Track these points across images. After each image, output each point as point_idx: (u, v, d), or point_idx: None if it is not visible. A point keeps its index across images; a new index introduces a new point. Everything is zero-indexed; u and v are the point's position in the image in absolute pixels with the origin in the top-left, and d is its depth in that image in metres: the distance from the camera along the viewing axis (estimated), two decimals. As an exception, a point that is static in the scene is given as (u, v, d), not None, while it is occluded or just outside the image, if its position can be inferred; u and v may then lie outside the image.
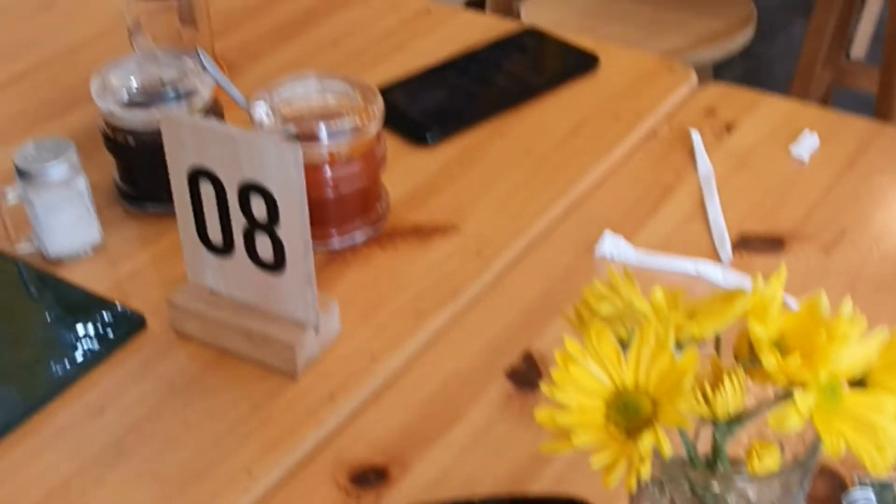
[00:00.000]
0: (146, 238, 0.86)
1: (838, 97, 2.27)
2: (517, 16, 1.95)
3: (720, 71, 2.12)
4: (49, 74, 1.08)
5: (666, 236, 0.85)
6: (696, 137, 0.94)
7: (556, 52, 1.07)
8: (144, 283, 0.82)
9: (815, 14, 2.08)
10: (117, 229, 0.87)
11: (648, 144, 0.95)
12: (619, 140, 0.95)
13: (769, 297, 0.51)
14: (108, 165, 0.89)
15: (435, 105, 0.99)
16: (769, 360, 0.49)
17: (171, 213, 0.76)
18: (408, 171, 0.92)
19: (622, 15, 1.82)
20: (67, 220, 0.83)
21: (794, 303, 0.75)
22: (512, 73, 1.04)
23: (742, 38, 1.75)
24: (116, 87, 0.86)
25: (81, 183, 0.82)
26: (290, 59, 1.09)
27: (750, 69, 2.62)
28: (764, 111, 0.98)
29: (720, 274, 0.79)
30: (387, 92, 0.94)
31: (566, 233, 0.86)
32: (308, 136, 0.79)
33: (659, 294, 0.51)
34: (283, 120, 0.81)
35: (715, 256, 0.82)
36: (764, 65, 2.68)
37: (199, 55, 0.81)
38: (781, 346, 0.51)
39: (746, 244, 0.83)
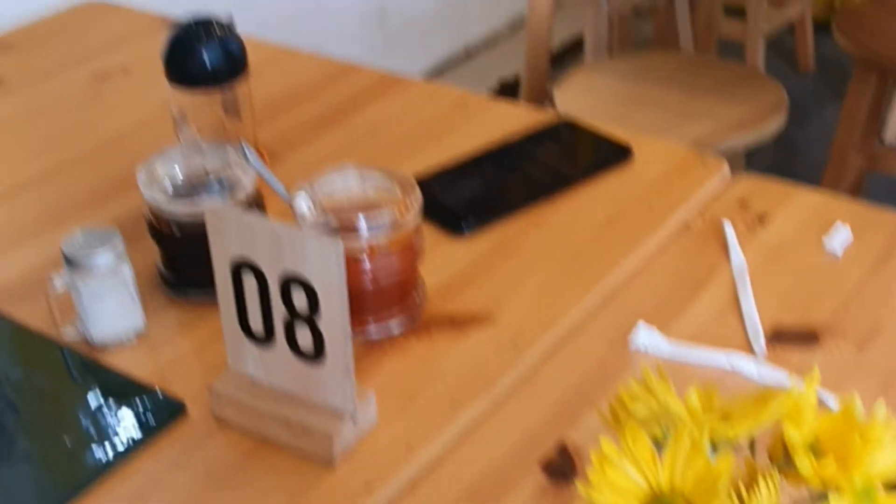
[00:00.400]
0: (187, 325, 0.88)
1: (871, 182, 2.28)
2: (551, 100, 1.98)
3: (753, 155, 2.14)
4: (96, 162, 1.11)
5: (700, 328, 0.86)
6: (729, 230, 0.95)
7: (590, 143, 1.10)
8: (185, 369, 0.84)
9: (847, 99, 2.10)
10: (160, 316, 0.89)
11: (682, 236, 0.96)
12: (652, 232, 0.96)
13: (803, 401, 0.51)
14: (151, 252, 0.92)
15: (471, 195, 1.01)
16: (804, 463, 0.49)
17: (212, 301, 0.78)
18: (444, 260, 0.94)
19: (654, 102, 1.84)
20: (112, 307, 0.85)
21: (828, 398, 0.76)
22: (546, 163, 1.06)
23: (774, 124, 1.77)
24: (162, 177, 0.89)
25: (126, 271, 0.84)
26: (329, 148, 1.12)
27: (783, 153, 2.64)
28: (797, 203, 0.99)
29: (754, 368, 0.80)
30: (423, 182, 0.96)
31: (600, 324, 0.87)
32: (348, 229, 0.81)
33: (693, 396, 0.52)
34: (323, 212, 0.83)
35: (749, 349, 0.83)
36: (797, 149, 2.70)
37: (243, 149, 0.84)
38: (816, 449, 0.51)
39: (780, 338, 0.84)
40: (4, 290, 0.93)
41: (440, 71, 3.01)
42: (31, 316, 0.89)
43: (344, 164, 0.87)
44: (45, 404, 0.82)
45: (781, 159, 2.64)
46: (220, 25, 0.99)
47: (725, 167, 1.04)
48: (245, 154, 0.84)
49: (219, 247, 0.74)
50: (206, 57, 0.97)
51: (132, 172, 0.91)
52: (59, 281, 0.85)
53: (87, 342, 0.86)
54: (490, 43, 3.17)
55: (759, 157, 2.47)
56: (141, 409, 0.79)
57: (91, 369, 0.84)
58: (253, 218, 0.72)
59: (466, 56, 3.11)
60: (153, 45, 1.33)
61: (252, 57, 1.01)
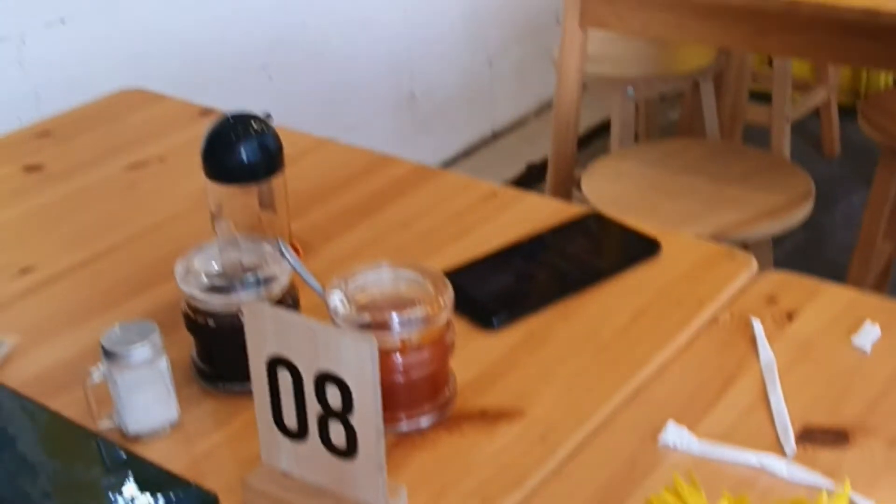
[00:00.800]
0: (222, 417, 0.89)
1: (899, 269, 2.28)
2: (578, 184, 2.00)
3: (780, 240, 2.15)
4: (133, 251, 1.14)
5: (729, 425, 0.86)
6: (758, 326, 0.96)
7: (619, 237, 1.11)
8: (219, 461, 0.85)
9: (874, 186, 2.11)
10: (194, 407, 0.90)
11: (710, 331, 0.97)
12: (681, 327, 0.97)
13: (834, 511, 0.52)
14: (187, 342, 0.93)
15: (501, 289, 1.03)
16: (836, 576, 0.50)
17: (247, 393, 0.79)
18: (474, 354, 0.95)
19: (681, 190, 1.86)
20: (148, 399, 0.86)
21: (860, 500, 0.76)
22: (576, 257, 1.07)
23: (801, 213, 1.77)
24: (199, 271, 0.90)
25: (163, 364, 0.86)
26: (361, 239, 1.14)
27: (810, 236, 2.64)
28: (825, 299, 1.00)
29: (784, 468, 0.80)
30: (454, 275, 0.98)
31: (629, 419, 0.87)
32: (381, 325, 0.82)
33: (725, 506, 0.52)
34: (357, 308, 0.84)
35: (779, 448, 0.83)
36: (824, 232, 2.70)
37: (279, 246, 0.85)
38: (848, 560, 0.52)
39: (810, 437, 0.84)
40: (41, 380, 0.94)
41: (468, 154, 3.05)
42: (67, 406, 0.90)
43: (378, 261, 0.89)
44: (79, 495, 0.83)
45: (808, 243, 2.65)
46: (258, 121, 1.01)
47: (753, 263, 1.05)
48: (281, 251, 0.85)
49: (255, 343, 0.75)
50: (243, 153, 0.99)
51: (168, 262, 0.93)
52: (97, 373, 0.86)
53: (122, 433, 0.87)
54: (517, 125, 3.21)
55: (786, 241, 2.48)
56: (175, 502, 0.80)
57: (126, 460, 0.85)
58: (290, 315, 0.74)
59: (494, 138, 3.15)
60: (190, 133, 1.37)
61: (287, 148, 1.04)
